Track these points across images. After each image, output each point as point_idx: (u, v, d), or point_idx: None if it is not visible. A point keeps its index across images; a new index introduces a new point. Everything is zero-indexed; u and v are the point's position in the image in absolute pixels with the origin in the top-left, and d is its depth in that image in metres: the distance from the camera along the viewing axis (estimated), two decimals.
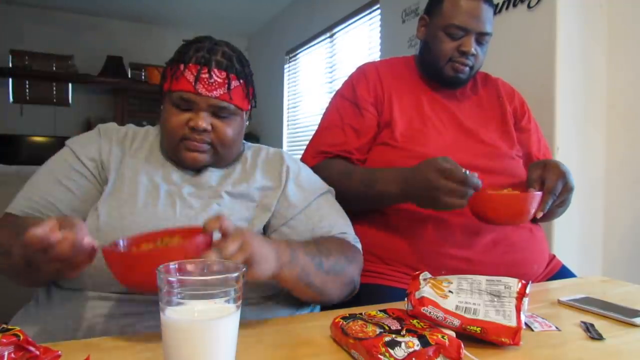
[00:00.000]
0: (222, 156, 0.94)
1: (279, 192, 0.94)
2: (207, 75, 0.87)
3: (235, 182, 0.94)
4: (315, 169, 1.12)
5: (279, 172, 0.98)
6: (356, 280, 0.93)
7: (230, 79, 0.89)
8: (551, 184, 1.02)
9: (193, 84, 0.87)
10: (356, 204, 1.10)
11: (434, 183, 0.93)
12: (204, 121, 0.88)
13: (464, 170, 0.92)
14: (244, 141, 1.04)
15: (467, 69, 1.21)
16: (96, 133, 0.97)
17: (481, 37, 1.20)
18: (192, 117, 0.89)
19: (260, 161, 1.00)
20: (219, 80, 0.88)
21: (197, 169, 0.95)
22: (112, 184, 0.89)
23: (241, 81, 0.92)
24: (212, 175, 0.94)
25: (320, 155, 1.23)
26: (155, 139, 0.99)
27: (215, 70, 0.88)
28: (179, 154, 0.91)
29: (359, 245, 1.00)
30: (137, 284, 0.66)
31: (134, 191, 0.87)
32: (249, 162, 1.00)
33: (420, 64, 1.31)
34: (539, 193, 1.01)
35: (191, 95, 0.87)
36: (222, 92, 0.89)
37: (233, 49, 0.94)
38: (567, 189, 1.04)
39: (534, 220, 1.19)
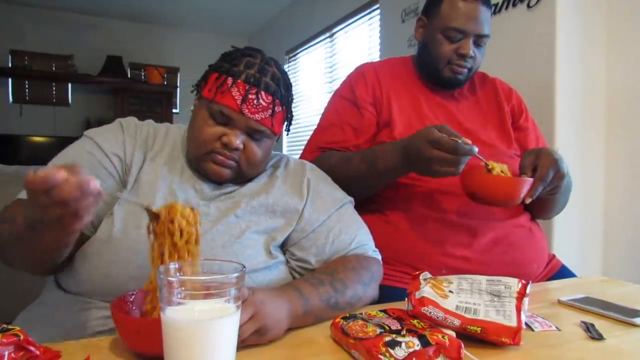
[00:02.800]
0: (245, 175, 0.92)
1: (301, 207, 0.93)
2: (254, 97, 0.86)
3: (254, 193, 0.92)
4: (314, 163, 1.12)
5: (300, 184, 0.96)
6: (375, 297, 0.92)
7: (275, 104, 0.88)
8: (543, 171, 1.02)
9: (239, 103, 0.85)
10: (359, 188, 1.09)
11: (425, 154, 0.93)
12: (238, 139, 0.87)
13: (456, 138, 0.91)
14: None
15: (465, 70, 1.21)
16: (118, 128, 0.94)
17: (479, 39, 1.20)
18: (227, 133, 0.87)
19: (280, 172, 0.98)
20: (264, 104, 0.87)
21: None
22: (130, 189, 0.87)
23: (283, 107, 0.91)
24: (230, 185, 0.93)
25: (318, 151, 1.23)
26: (176, 140, 0.97)
27: (263, 94, 0.86)
28: (204, 165, 0.89)
29: (379, 256, 0.99)
30: (144, 350, 0.63)
31: (151, 199, 0.85)
32: (269, 172, 0.98)
33: (418, 65, 1.31)
34: (530, 179, 1.01)
35: (234, 113, 0.86)
36: (265, 116, 0.87)
37: (281, 71, 0.92)
38: (559, 176, 1.04)
39: (527, 207, 1.19)
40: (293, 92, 0.96)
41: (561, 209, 1.26)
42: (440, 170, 0.93)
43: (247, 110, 0.85)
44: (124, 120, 0.96)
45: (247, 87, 0.86)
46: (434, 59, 1.22)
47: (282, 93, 0.90)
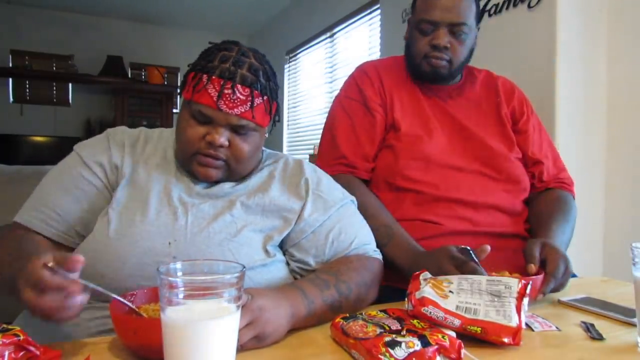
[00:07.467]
0: (236, 172, 0.91)
1: (299, 207, 0.92)
2: (230, 91, 0.84)
3: (250, 192, 0.91)
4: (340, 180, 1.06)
5: (298, 184, 0.95)
6: (375, 298, 0.92)
7: (253, 95, 0.86)
8: (553, 266, 0.91)
9: (215, 99, 0.83)
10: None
11: (444, 269, 0.88)
12: (222, 137, 0.85)
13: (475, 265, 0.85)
14: (263, 148, 1.01)
15: (444, 62, 1.19)
16: (104, 138, 0.95)
17: (456, 28, 1.17)
18: (210, 132, 0.86)
19: (278, 172, 0.97)
20: (241, 97, 0.85)
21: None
22: (123, 190, 0.87)
23: (265, 97, 0.88)
24: (226, 184, 0.92)
25: (337, 166, 1.19)
26: (168, 143, 0.97)
27: (239, 87, 0.84)
28: (191, 167, 0.89)
29: (380, 256, 0.99)
30: (140, 348, 0.63)
31: (146, 199, 0.86)
32: (266, 171, 0.97)
33: (406, 64, 1.30)
34: (539, 276, 0.89)
35: (212, 110, 0.84)
36: (244, 110, 0.85)
37: (261, 61, 0.90)
38: (569, 273, 0.94)
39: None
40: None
41: None
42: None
43: (224, 106, 0.84)
44: (112, 131, 0.97)
45: (222, 82, 0.84)
46: (412, 56, 1.23)
47: (262, 83, 0.87)
